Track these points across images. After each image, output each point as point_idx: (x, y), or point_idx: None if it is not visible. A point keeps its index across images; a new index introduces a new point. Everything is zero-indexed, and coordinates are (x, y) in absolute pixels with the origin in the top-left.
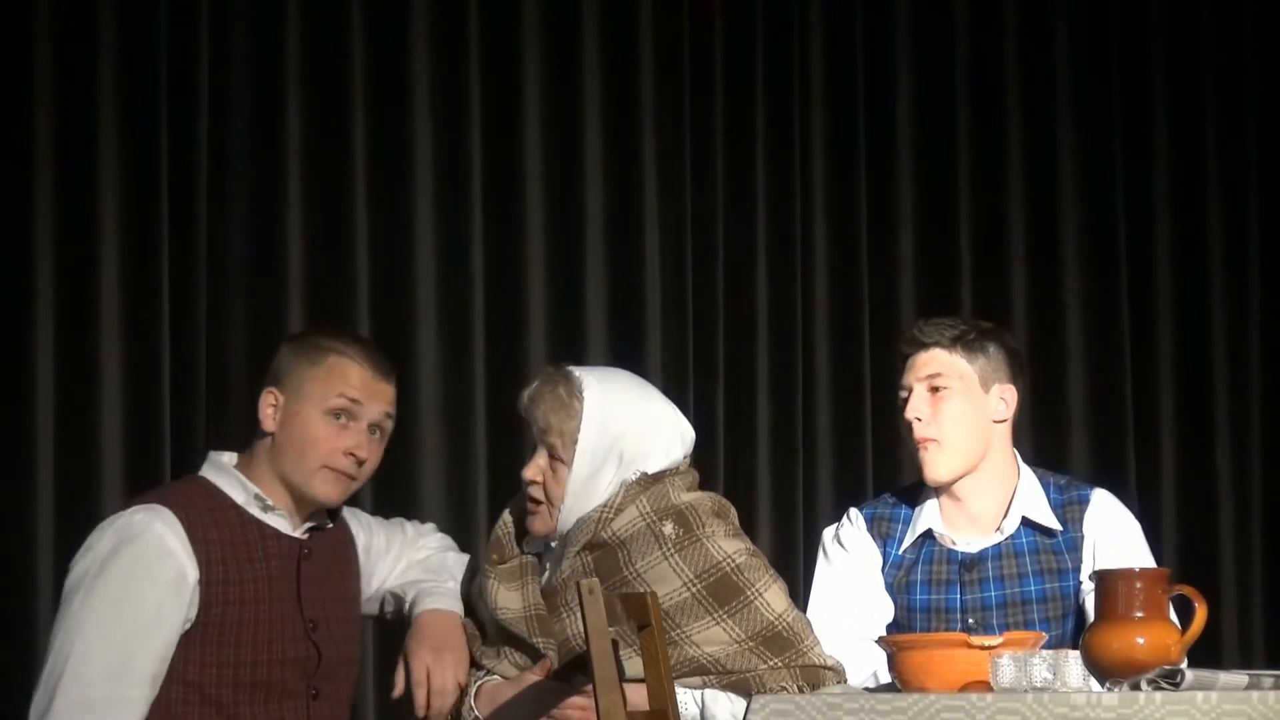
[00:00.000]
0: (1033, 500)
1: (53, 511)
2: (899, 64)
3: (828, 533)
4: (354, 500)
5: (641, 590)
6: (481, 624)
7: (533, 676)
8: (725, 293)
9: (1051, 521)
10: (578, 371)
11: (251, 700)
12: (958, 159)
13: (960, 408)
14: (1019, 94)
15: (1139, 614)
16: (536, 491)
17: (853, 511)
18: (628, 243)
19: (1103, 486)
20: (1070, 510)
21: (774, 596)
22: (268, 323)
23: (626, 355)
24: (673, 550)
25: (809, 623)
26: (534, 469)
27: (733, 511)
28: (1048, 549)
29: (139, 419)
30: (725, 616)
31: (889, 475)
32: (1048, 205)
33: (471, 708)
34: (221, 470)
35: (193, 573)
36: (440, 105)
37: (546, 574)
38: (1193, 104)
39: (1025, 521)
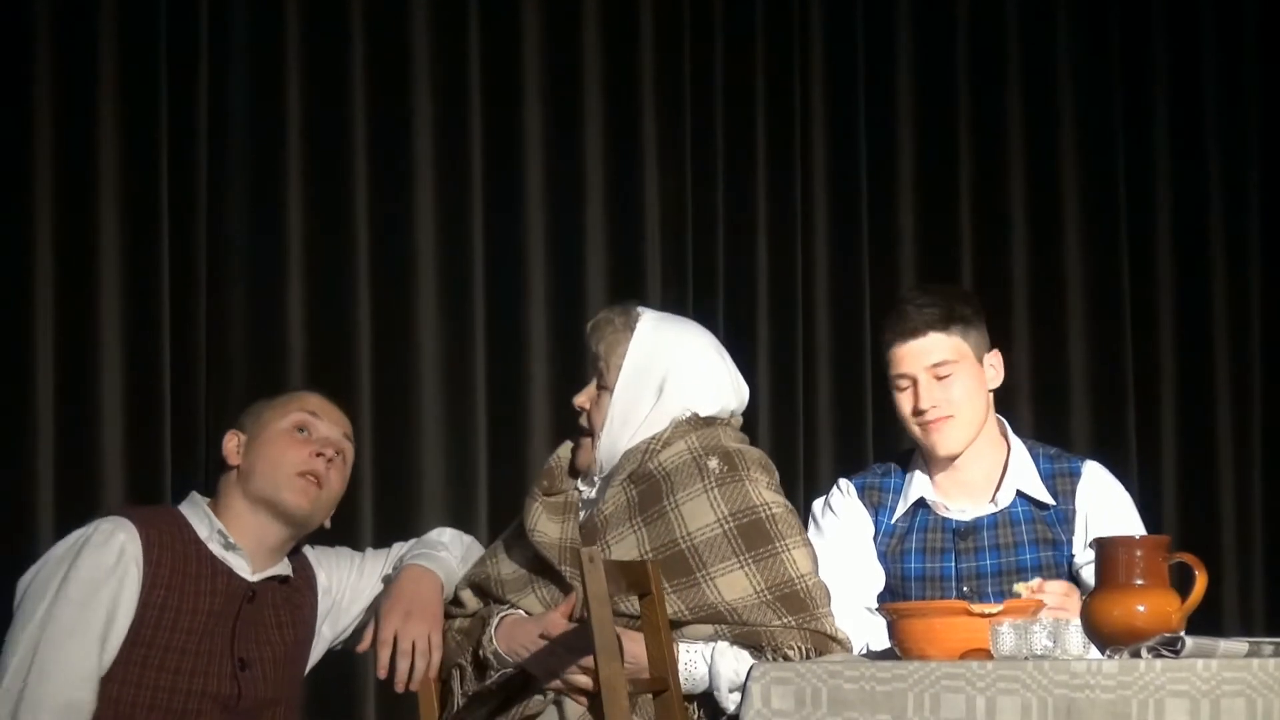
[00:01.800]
0: (1025, 473)
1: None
2: (899, 32)
3: (818, 503)
4: (356, 494)
5: (676, 522)
6: (490, 581)
7: (555, 615)
8: (725, 262)
9: (1044, 495)
10: (641, 308)
11: None
12: (958, 123)
13: (969, 385)
14: (1019, 49)
15: (1139, 581)
16: (584, 419)
17: (842, 482)
18: (628, 212)
19: (1103, 457)
20: (1062, 482)
21: (801, 556)
22: (268, 305)
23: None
24: (714, 484)
25: (828, 593)
26: (584, 395)
27: (776, 472)
28: (1041, 519)
29: (138, 435)
30: (750, 561)
31: (890, 446)
32: (1048, 170)
33: (491, 639)
34: (194, 505)
35: (137, 588)
36: (440, 74)
37: (588, 512)
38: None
39: (1020, 494)
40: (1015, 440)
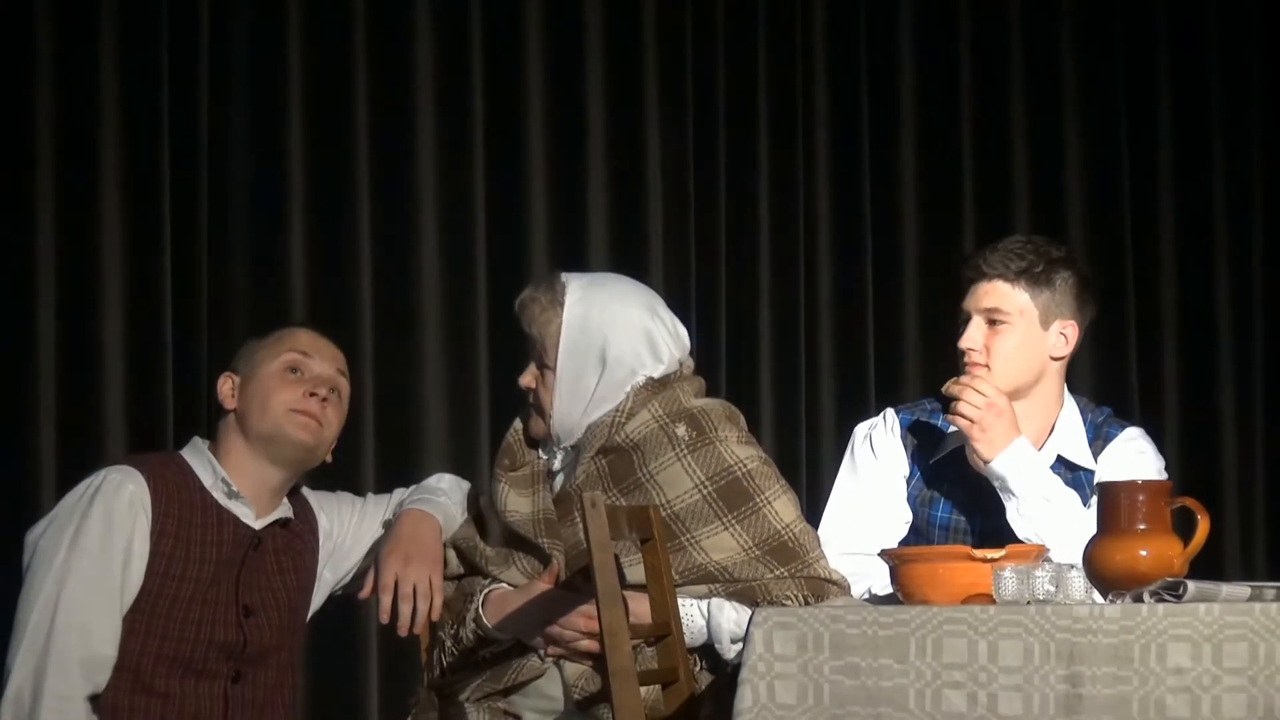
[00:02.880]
0: (1071, 438)
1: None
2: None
3: (860, 430)
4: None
5: (654, 492)
6: (487, 534)
7: (541, 584)
8: (726, 211)
9: (1085, 459)
10: (565, 277)
11: (169, 674)
12: (960, 72)
13: (1016, 343)
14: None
15: (1141, 526)
16: (532, 398)
17: (890, 414)
18: (630, 163)
19: (1106, 400)
20: (1097, 446)
21: (783, 506)
22: (269, 250)
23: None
24: (686, 451)
25: (816, 536)
26: (527, 376)
27: (742, 418)
28: (1070, 482)
29: (141, 384)
30: (734, 522)
31: (891, 393)
32: (1050, 112)
33: (479, 615)
34: (198, 452)
35: (148, 537)
36: (443, 23)
37: (560, 480)
38: None
39: (1060, 458)
40: (1069, 403)
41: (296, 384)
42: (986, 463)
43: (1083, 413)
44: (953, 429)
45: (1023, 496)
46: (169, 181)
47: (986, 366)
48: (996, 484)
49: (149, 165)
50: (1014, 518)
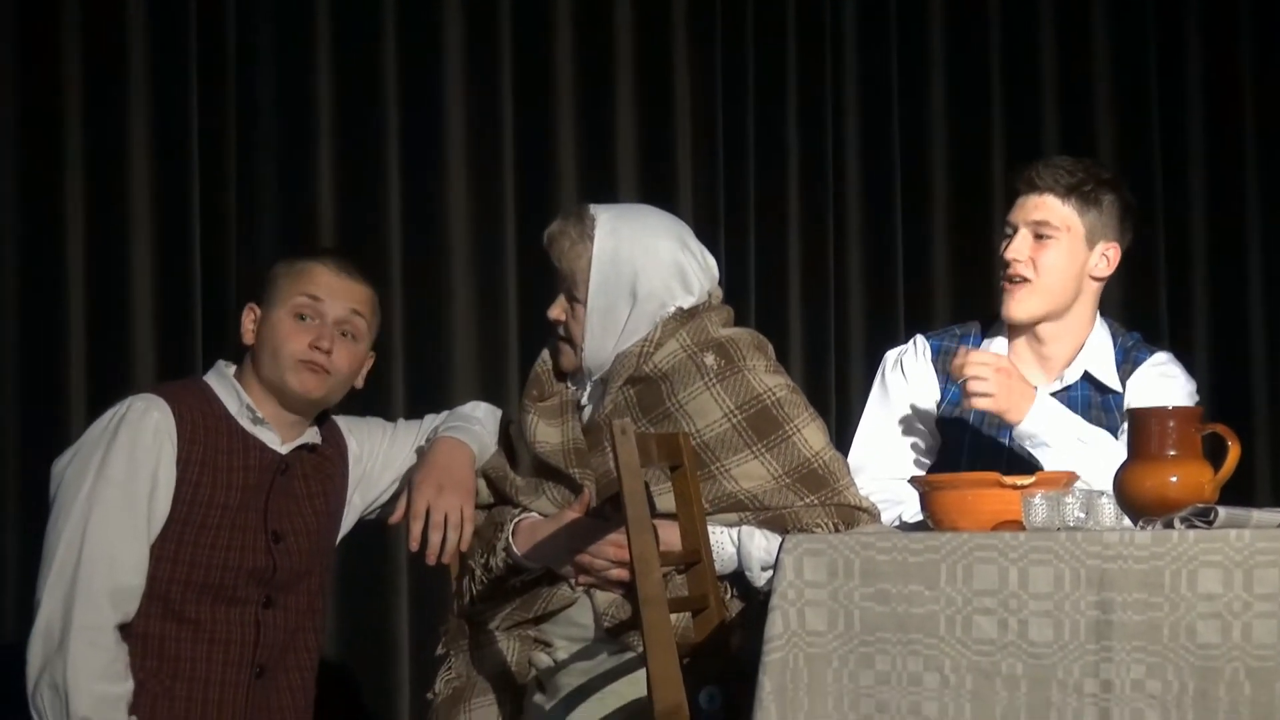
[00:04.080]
0: (1100, 355)
1: (85, 406)
2: None
3: (890, 356)
4: (387, 367)
5: (684, 421)
6: (517, 463)
7: (571, 513)
8: (755, 134)
9: (1112, 379)
10: (594, 209)
11: (199, 600)
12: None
13: (1061, 258)
14: None
15: (1172, 452)
16: (561, 330)
17: (920, 340)
18: (659, 87)
19: (1135, 329)
20: (1125, 370)
21: (812, 434)
22: (297, 176)
23: (658, 197)
24: (714, 380)
25: (845, 463)
26: (556, 309)
27: (770, 347)
28: (1099, 405)
29: (170, 312)
30: (764, 450)
31: (921, 315)
32: (1080, 47)
33: (509, 544)
34: (222, 378)
35: (173, 465)
36: None
37: (588, 410)
38: None
39: (1086, 375)
40: (1100, 325)
41: (304, 332)
42: (1015, 425)
43: (1113, 335)
44: (985, 347)
45: (1056, 445)
46: (197, 102)
47: (1029, 282)
48: (1028, 442)
49: (177, 87)
50: (1052, 467)
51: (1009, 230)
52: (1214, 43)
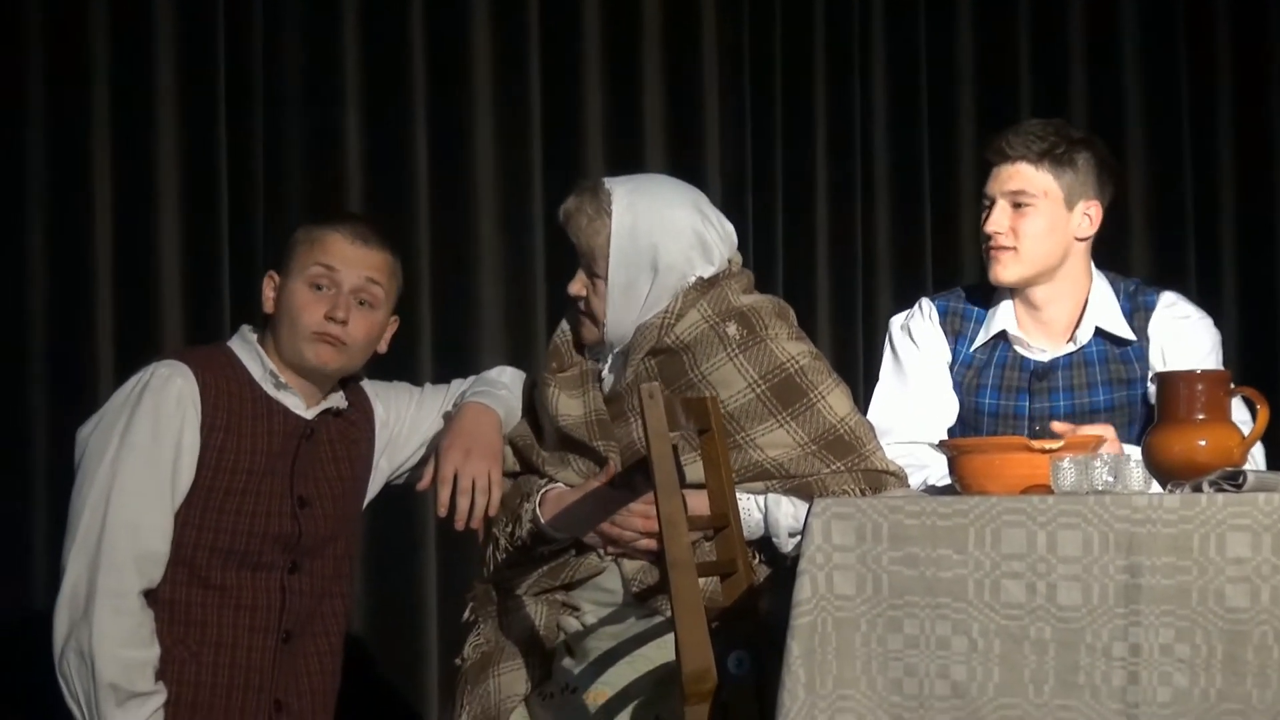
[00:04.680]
0: (1106, 309)
1: (113, 371)
2: None
3: (896, 322)
4: (414, 332)
5: (707, 392)
6: (543, 433)
7: (596, 483)
8: (783, 100)
9: (1125, 331)
10: (609, 183)
11: (225, 566)
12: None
13: (1041, 224)
14: None
15: (1200, 416)
16: (582, 305)
17: (925, 302)
18: (686, 56)
19: (1165, 287)
20: (1139, 317)
21: (837, 400)
22: (325, 140)
23: (685, 165)
24: (737, 351)
25: (871, 427)
26: (576, 284)
27: (792, 313)
28: (1117, 358)
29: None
30: (789, 419)
31: (948, 280)
32: (1107, 10)
33: (536, 514)
34: (246, 344)
35: (197, 431)
36: None
37: (610, 381)
38: None
39: (1098, 331)
40: (1098, 277)
41: (319, 303)
42: None
43: (1113, 284)
44: (992, 313)
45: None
46: (224, 65)
47: (1014, 250)
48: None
49: (204, 50)
50: None
51: (986, 202)
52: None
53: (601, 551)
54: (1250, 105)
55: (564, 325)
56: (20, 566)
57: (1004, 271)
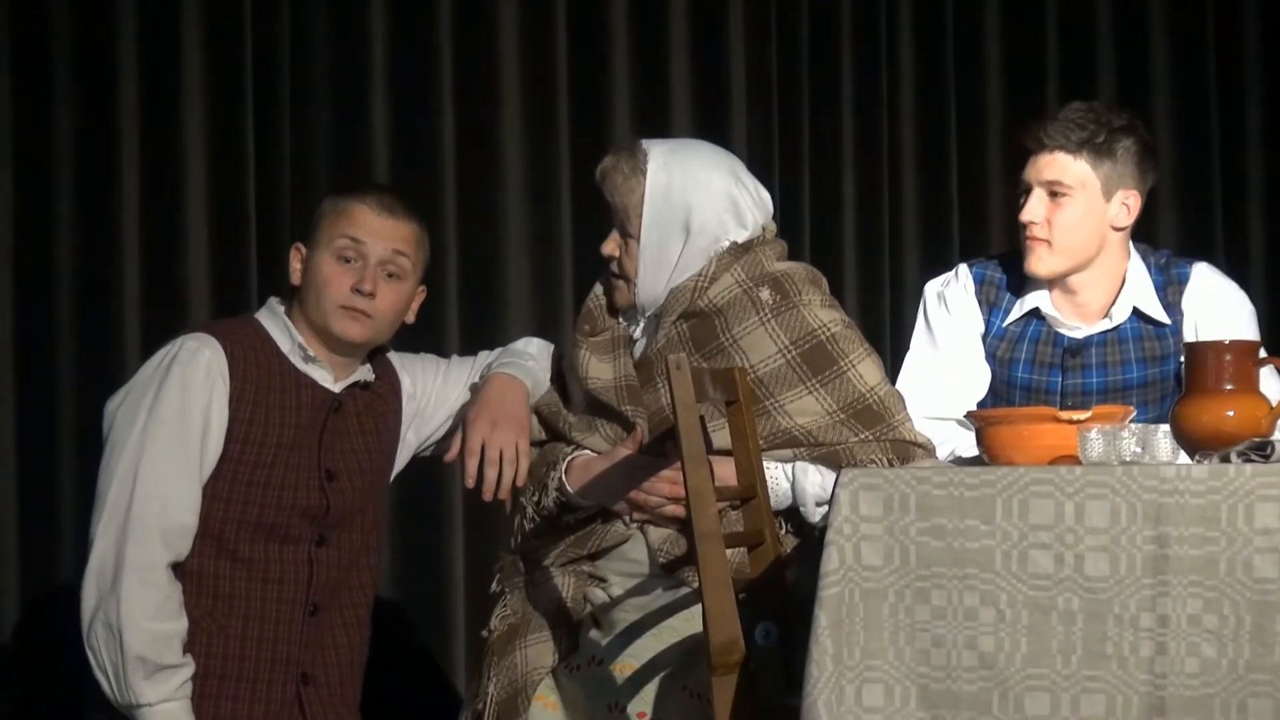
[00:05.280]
0: (1142, 290)
1: (140, 345)
2: None
3: (932, 288)
4: (440, 304)
5: (738, 356)
6: (570, 400)
7: (624, 450)
8: (809, 70)
9: (1160, 313)
10: (646, 144)
11: (253, 539)
12: None
13: (1077, 215)
14: None
15: (1229, 386)
16: (615, 266)
17: (962, 269)
18: (713, 19)
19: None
20: (1172, 292)
21: (868, 369)
22: (352, 114)
23: (712, 130)
24: (770, 316)
25: (901, 398)
26: (610, 244)
27: (825, 281)
28: (1151, 335)
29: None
30: (818, 386)
31: (976, 249)
32: None
33: (562, 482)
34: (274, 316)
35: (226, 404)
36: None
37: (641, 345)
38: None
39: (1135, 312)
40: (1133, 255)
41: (346, 275)
42: None
43: (1144, 258)
44: (1026, 291)
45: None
46: (250, 35)
47: (1048, 242)
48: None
49: (231, 20)
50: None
51: (1023, 189)
52: None
53: (627, 519)
54: (1279, 72)
55: (597, 288)
56: (49, 539)
57: (1039, 265)
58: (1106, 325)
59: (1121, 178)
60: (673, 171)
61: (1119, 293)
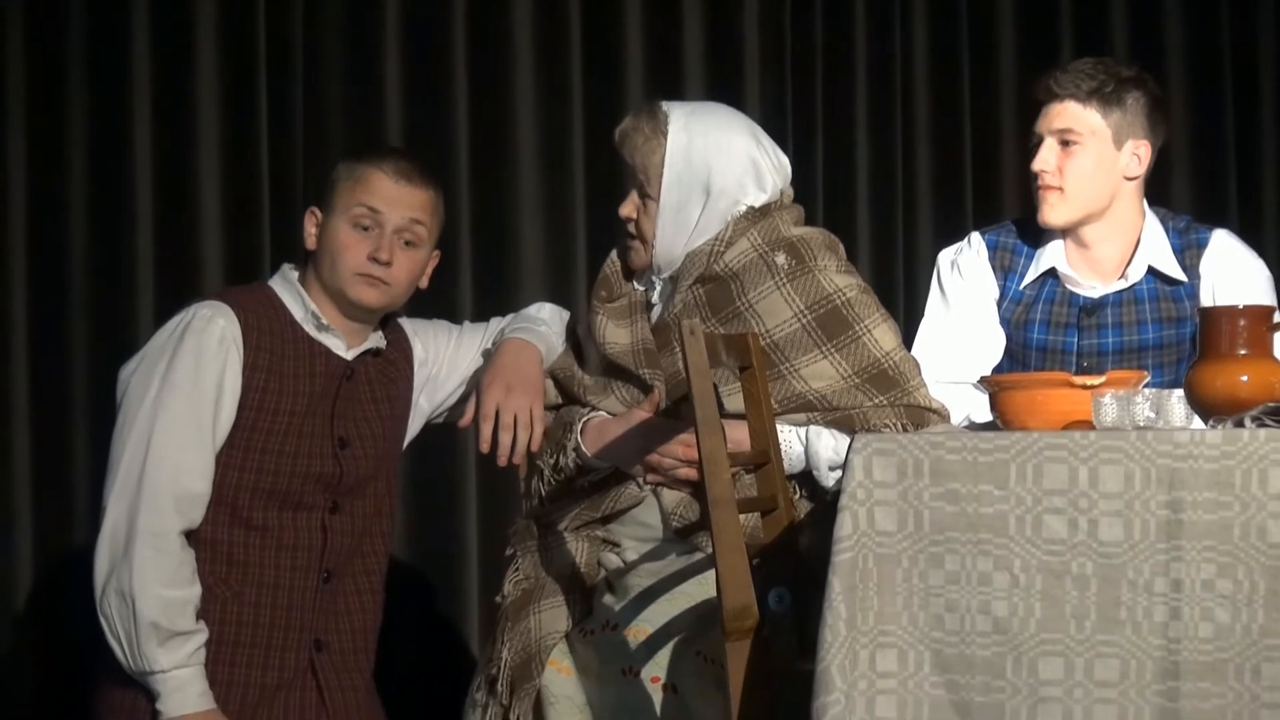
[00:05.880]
0: (1158, 248)
1: (154, 312)
2: None
3: (945, 256)
4: (454, 269)
5: (753, 321)
6: (585, 363)
7: (640, 413)
8: (823, 37)
9: (1177, 271)
10: (666, 106)
11: (266, 507)
12: None
13: (1089, 163)
14: None
15: (1243, 351)
16: (632, 228)
17: (974, 237)
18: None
19: (1205, 215)
20: (1190, 255)
21: (883, 334)
22: (365, 79)
23: (725, 98)
24: (785, 280)
25: (917, 363)
26: (628, 205)
27: (841, 247)
28: (1168, 296)
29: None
30: (833, 350)
31: (990, 215)
32: None
33: (578, 443)
34: (287, 284)
35: (239, 371)
36: None
37: (657, 309)
38: None
39: (1150, 270)
40: (1150, 215)
41: (363, 242)
42: None
43: (1163, 221)
44: (1042, 250)
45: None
46: (263, 2)
47: (1060, 190)
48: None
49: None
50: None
51: (1034, 140)
52: None
53: (641, 481)
54: None
55: (614, 254)
56: (62, 506)
57: (1052, 214)
58: (1122, 285)
59: (1131, 127)
60: (694, 133)
61: (1135, 251)
